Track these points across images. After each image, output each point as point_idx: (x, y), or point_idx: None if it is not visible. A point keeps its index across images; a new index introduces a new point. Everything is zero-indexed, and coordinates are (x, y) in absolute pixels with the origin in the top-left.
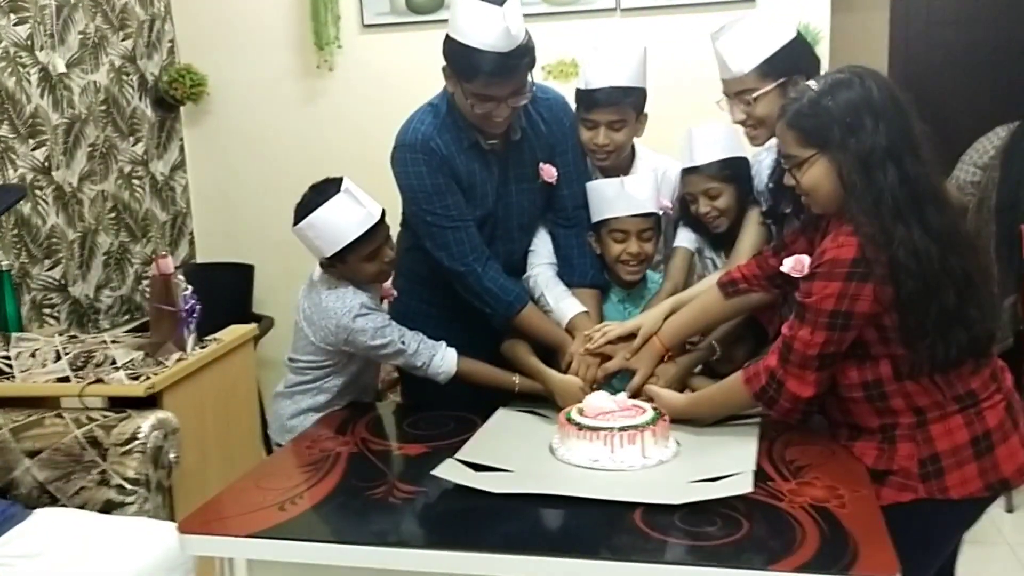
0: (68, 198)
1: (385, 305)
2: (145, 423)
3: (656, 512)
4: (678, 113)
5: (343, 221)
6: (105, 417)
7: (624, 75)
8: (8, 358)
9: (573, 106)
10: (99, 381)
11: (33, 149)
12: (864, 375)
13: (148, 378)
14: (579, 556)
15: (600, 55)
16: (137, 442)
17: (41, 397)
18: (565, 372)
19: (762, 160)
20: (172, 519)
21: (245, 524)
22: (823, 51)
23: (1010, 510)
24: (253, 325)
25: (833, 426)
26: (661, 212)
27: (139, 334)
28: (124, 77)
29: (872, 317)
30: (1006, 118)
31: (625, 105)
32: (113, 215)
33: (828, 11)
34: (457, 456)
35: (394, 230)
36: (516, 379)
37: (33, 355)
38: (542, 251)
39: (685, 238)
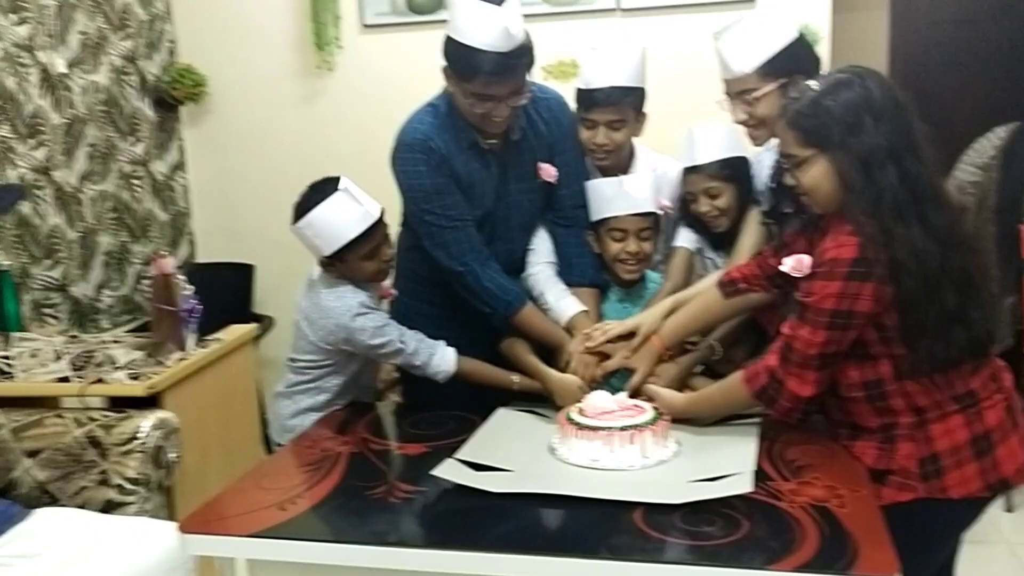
0: (68, 198)
1: (385, 304)
2: (145, 423)
3: (656, 512)
4: (678, 113)
5: (342, 220)
6: (105, 417)
7: (623, 75)
8: (8, 358)
9: (572, 106)
10: (99, 381)
11: (33, 149)
12: (864, 375)
13: (148, 378)
14: (579, 556)
15: (600, 55)
16: (137, 442)
17: (41, 397)
18: (564, 371)
19: (763, 160)
20: (172, 519)
21: (245, 524)
22: (823, 51)
23: (1010, 510)
24: (253, 325)
25: (833, 426)
26: (660, 212)
27: (140, 334)
28: (124, 77)
29: (872, 317)
30: (1006, 118)
31: (624, 105)
32: (113, 215)
33: (828, 11)
34: (457, 456)
35: (394, 230)
36: (515, 378)
37: (33, 355)
38: (542, 250)
39: (685, 238)
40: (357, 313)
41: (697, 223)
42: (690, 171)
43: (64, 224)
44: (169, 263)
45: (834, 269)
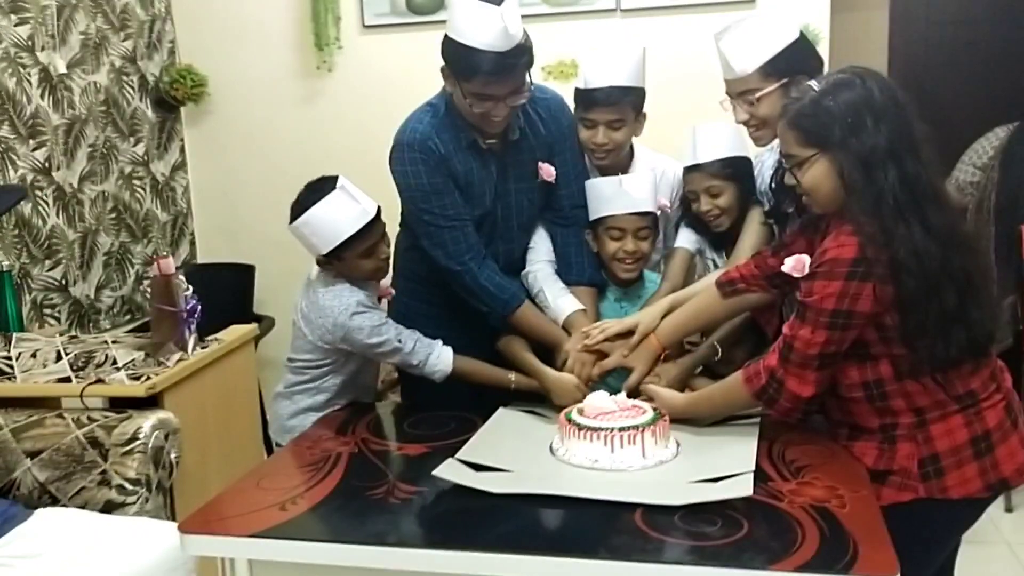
0: (68, 198)
1: (384, 304)
2: (146, 423)
3: (656, 512)
4: (677, 113)
5: (339, 218)
6: (106, 417)
7: (623, 75)
8: (9, 358)
9: (572, 106)
10: (100, 381)
11: (34, 150)
12: (864, 375)
13: (149, 378)
14: (579, 556)
15: (599, 55)
16: (138, 442)
17: (42, 397)
18: (561, 370)
19: (764, 160)
20: (173, 519)
21: (246, 524)
22: (823, 51)
23: (1009, 510)
24: (254, 325)
25: (833, 426)
26: (659, 212)
27: (140, 334)
28: (124, 78)
29: (873, 316)
30: (1006, 118)
31: (624, 104)
32: (114, 215)
33: (828, 11)
34: (457, 456)
35: (393, 230)
36: (512, 377)
37: (34, 355)
38: (541, 248)
39: (685, 239)
40: (354, 312)
41: (698, 222)
42: (692, 169)
43: (64, 224)
44: (170, 264)
45: (834, 269)
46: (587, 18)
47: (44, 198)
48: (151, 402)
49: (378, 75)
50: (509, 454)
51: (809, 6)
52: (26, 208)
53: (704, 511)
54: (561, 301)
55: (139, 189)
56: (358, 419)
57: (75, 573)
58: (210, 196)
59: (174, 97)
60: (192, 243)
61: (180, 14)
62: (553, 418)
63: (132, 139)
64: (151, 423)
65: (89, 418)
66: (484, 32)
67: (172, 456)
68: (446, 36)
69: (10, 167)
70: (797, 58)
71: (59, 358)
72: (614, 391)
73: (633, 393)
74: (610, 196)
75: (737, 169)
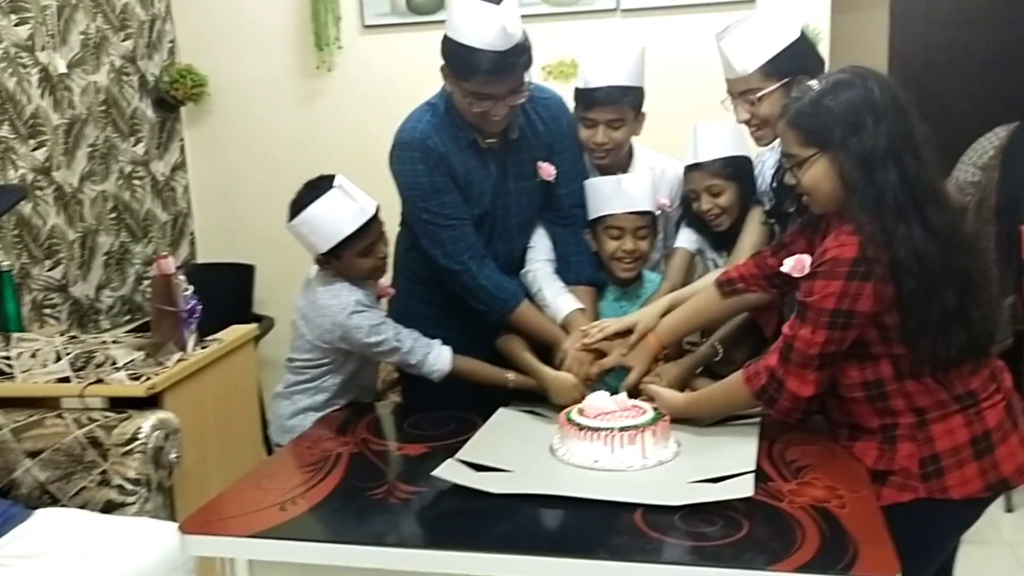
0: (68, 198)
1: (384, 303)
2: (146, 423)
3: (656, 512)
4: (677, 113)
5: (337, 217)
6: (106, 417)
7: (622, 74)
8: (9, 358)
9: (571, 106)
10: (100, 381)
11: (33, 149)
12: (865, 375)
13: (149, 378)
14: (579, 556)
15: (599, 55)
16: (138, 442)
17: (42, 397)
18: (559, 368)
19: (765, 160)
20: (173, 519)
21: (246, 524)
22: (823, 51)
23: (1009, 510)
24: (253, 325)
25: (833, 426)
26: (658, 212)
27: (140, 334)
28: (124, 77)
29: (873, 316)
30: (1006, 118)
31: (623, 104)
32: (114, 215)
33: (828, 11)
34: (457, 456)
35: (393, 230)
36: (510, 375)
37: (34, 355)
38: (541, 247)
39: (686, 239)
40: (353, 311)
41: (698, 222)
42: (693, 168)
43: (64, 224)
44: (170, 264)
45: (835, 268)
46: (587, 18)
47: (44, 198)
48: (151, 402)
49: (378, 75)
50: (509, 454)
51: (809, 6)
52: (26, 208)
53: (704, 511)
54: (560, 300)
55: (139, 189)
56: (358, 419)
57: (75, 573)
58: (210, 196)
59: (174, 97)
60: (192, 243)
61: (180, 14)
62: (553, 418)
63: (132, 139)
64: (151, 423)
65: (89, 418)
66: (483, 31)
67: (172, 456)
68: (445, 36)
69: (10, 167)
70: (798, 58)
71: (59, 358)
72: (612, 390)
73: (633, 393)
74: (609, 195)
75: (738, 168)
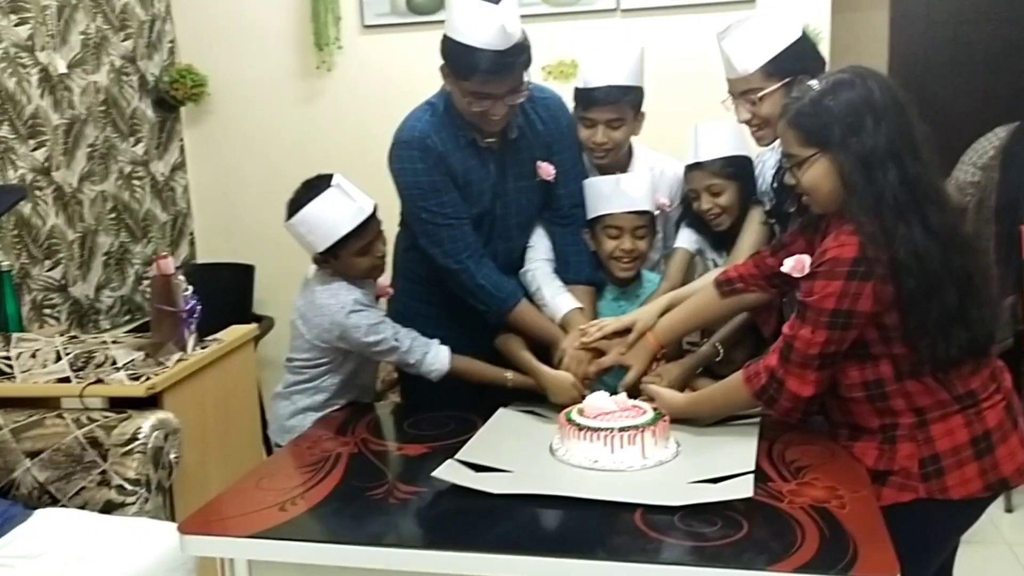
0: (68, 198)
1: (383, 303)
2: (146, 423)
3: (656, 513)
4: (677, 113)
5: (335, 216)
6: (106, 417)
7: (622, 74)
8: (9, 358)
9: (571, 105)
10: (99, 381)
11: (33, 150)
12: (865, 375)
13: (148, 378)
14: (579, 557)
15: (598, 54)
16: (138, 443)
17: (42, 397)
18: (557, 367)
19: (766, 160)
20: (172, 519)
21: (245, 524)
22: (823, 51)
23: (1009, 510)
24: (253, 325)
25: (833, 427)
26: (657, 211)
27: (140, 334)
28: (124, 77)
29: (873, 316)
30: (1006, 118)
31: (623, 103)
32: (113, 215)
33: (828, 11)
34: (457, 457)
35: (393, 230)
36: (508, 375)
37: (34, 355)
38: (540, 247)
39: (686, 239)
40: (351, 310)
41: (698, 221)
42: (693, 168)
43: (64, 224)
44: (169, 264)
45: (835, 268)
46: (587, 18)
47: (44, 198)
48: (151, 402)
49: (378, 75)
50: (509, 454)
51: (809, 6)
52: (26, 208)
53: (704, 511)
54: (559, 299)
55: (139, 189)
56: (358, 419)
57: (75, 573)
58: (210, 196)
59: (174, 97)
60: (192, 243)
61: (180, 14)
62: (553, 418)
63: (132, 139)
64: (151, 423)
65: (89, 418)
66: (482, 31)
67: (172, 456)
68: (445, 35)
69: (10, 167)
70: (799, 58)
71: (59, 358)
72: (611, 389)
73: (633, 392)
74: (608, 195)
75: (738, 168)
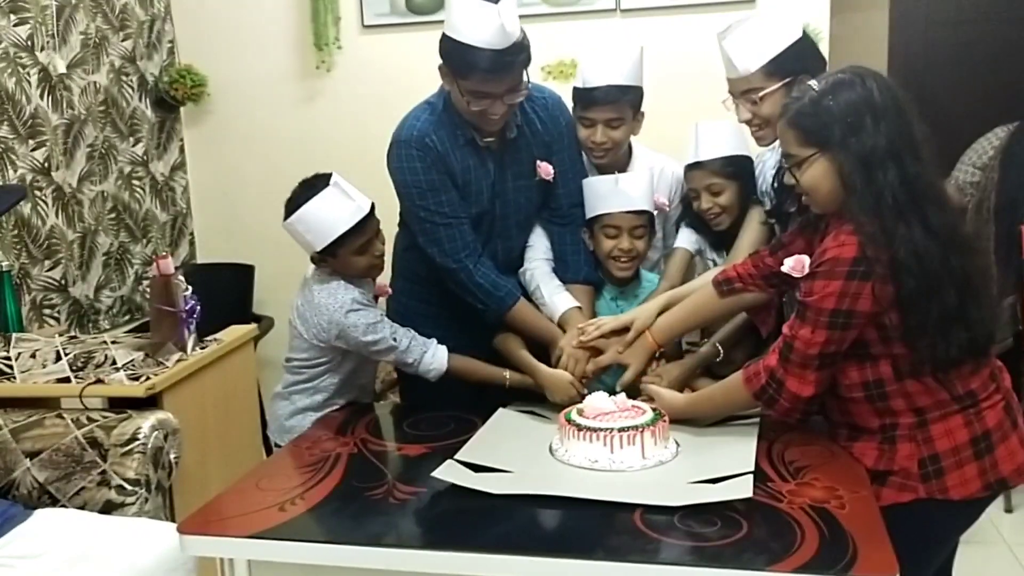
0: (68, 199)
1: (382, 303)
2: (145, 424)
3: (655, 513)
4: (676, 113)
5: (333, 214)
6: (105, 418)
7: (621, 74)
8: (8, 358)
9: (570, 105)
10: (99, 382)
11: (33, 150)
12: (865, 375)
13: (148, 379)
14: (579, 557)
15: (598, 54)
16: (137, 443)
17: (41, 398)
18: (555, 366)
19: (766, 160)
20: (172, 520)
21: (245, 525)
22: (823, 51)
23: (1009, 510)
24: (253, 325)
25: (833, 427)
26: (655, 211)
27: (139, 335)
28: (124, 77)
29: (873, 316)
30: (1006, 118)
31: (622, 103)
32: (113, 216)
33: (828, 11)
34: (457, 457)
35: (392, 230)
36: (506, 374)
37: (33, 355)
38: (539, 246)
39: (685, 239)
40: (350, 309)
41: (698, 221)
42: (693, 167)
43: (64, 224)
44: (169, 264)
45: (835, 268)
46: (587, 18)
47: (43, 198)
48: (150, 402)
49: (377, 75)
50: (508, 455)
51: (809, 6)
52: (26, 208)
53: (703, 512)
54: (557, 298)
55: (138, 189)
56: (357, 419)
57: (75, 573)
58: (210, 196)
59: (174, 97)
60: (192, 243)
61: (180, 14)
62: (553, 418)
63: (131, 139)
64: (150, 423)
65: (88, 418)
66: (482, 30)
67: (171, 456)
68: (444, 34)
69: (9, 167)
70: (800, 58)
71: (58, 358)
72: (609, 389)
73: (632, 392)
74: (606, 194)
75: (738, 168)
